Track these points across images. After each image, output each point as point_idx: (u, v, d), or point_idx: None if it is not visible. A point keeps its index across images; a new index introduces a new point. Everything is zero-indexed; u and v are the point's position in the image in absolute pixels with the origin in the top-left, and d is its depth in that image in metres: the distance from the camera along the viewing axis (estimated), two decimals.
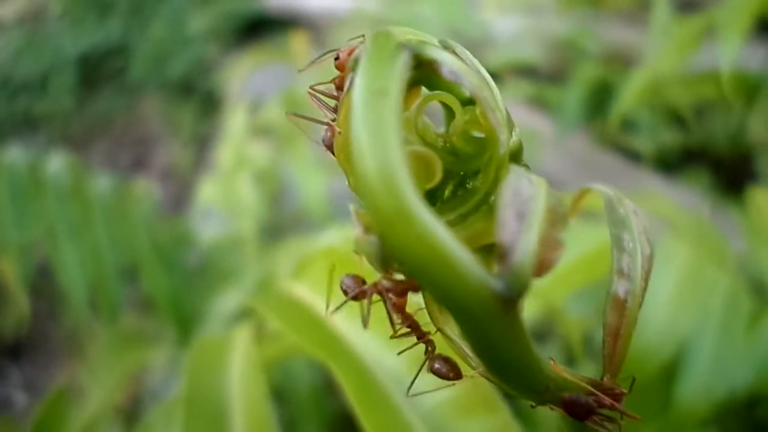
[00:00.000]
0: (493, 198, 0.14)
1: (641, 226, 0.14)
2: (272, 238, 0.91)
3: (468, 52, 0.14)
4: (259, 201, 0.85)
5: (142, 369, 0.61)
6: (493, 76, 0.15)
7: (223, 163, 0.91)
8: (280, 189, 0.94)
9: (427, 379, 0.15)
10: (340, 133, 0.14)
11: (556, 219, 0.12)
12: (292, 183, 0.90)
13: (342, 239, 0.32)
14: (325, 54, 0.15)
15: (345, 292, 0.14)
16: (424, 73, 0.13)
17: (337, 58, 0.14)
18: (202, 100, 2.10)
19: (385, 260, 0.12)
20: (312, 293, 0.23)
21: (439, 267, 0.11)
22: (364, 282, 0.14)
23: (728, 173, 0.97)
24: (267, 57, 1.42)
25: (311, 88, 0.15)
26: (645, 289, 0.13)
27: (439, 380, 0.14)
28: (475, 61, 0.14)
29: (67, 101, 2.10)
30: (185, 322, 0.61)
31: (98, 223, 0.59)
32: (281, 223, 0.98)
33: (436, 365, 0.14)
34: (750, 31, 0.51)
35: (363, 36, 0.14)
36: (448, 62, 0.13)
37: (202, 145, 1.93)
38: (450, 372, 0.14)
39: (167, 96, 2.18)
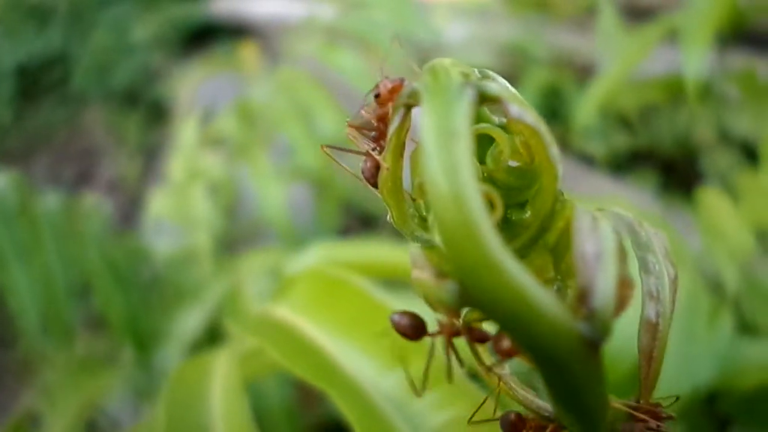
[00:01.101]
0: (544, 233, 0.14)
1: (664, 248, 0.14)
2: (229, 250, 0.89)
3: (508, 83, 0.14)
4: (214, 213, 0.83)
5: (101, 394, 0.58)
6: None
7: (175, 175, 0.89)
8: (235, 200, 0.92)
9: (426, 402, 0.15)
10: (387, 169, 0.13)
11: (624, 256, 0.12)
12: (247, 194, 0.89)
13: (323, 259, 0.31)
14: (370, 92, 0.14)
15: (405, 334, 0.14)
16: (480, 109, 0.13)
17: (377, 95, 0.14)
18: (148, 109, 2.04)
19: (461, 306, 0.12)
20: (298, 317, 0.22)
21: (526, 313, 0.11)
22: (423, 324, 0.13)
23: (675, 174, 1.01)
24: (216, 66, 1.39)
25: (350, 123, 0.14)
26: (673, 310, 0.13)
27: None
28: (518, 93, 0.14)
29: (5, 114, 2.02)
30: (142, 342, 0.59)
31: (47, 242, 0.56)
32: (238, 235, 0.96)
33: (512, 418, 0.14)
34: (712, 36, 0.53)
35: (404, 75, 0.14)
36: (512, 99, 0.13)
37: (150, 156, 1.88)
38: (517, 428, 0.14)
39: (111, 106, 2.12)
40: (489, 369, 0.13)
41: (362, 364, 0.19)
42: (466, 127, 0.12)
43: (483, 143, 0.14)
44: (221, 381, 0.22)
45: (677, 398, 0.14)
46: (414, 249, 0.12)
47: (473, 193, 0.11)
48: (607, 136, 0.97)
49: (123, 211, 1.65)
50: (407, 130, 0.13)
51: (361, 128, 0.14)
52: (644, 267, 0.14)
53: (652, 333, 0.13)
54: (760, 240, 0.58)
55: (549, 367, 0.12)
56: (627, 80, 0.76)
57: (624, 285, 0.12)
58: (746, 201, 0.61)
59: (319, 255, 0.32)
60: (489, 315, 0.11)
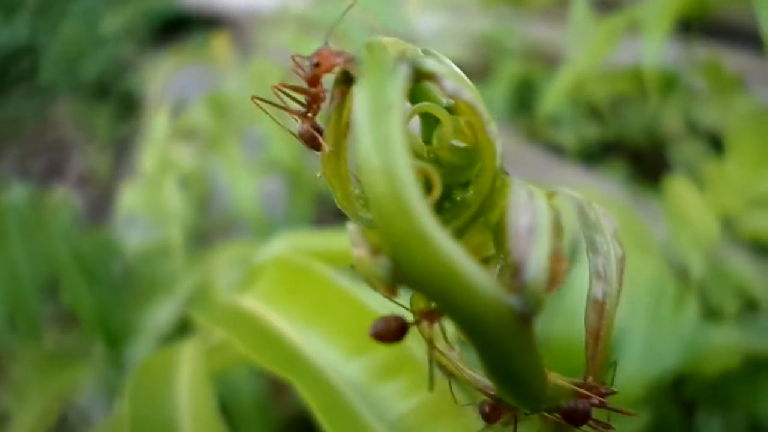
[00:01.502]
0: (486, 209, 0.14)
1: (612, 228, 0.14)
2: (201, 244, 0.88)
3: (451, 62, 0.14)
4: (186, 206, 0.82)
5: (70, 389, 0.57)
6: None
7: (146, 168, 0.88)
8: (207, 193, 0.91)
9: (390, 389, 0.15)
10: (330, 150, 0.13)
11: (559, 231, 0.12)
12: (220, 186, 0.88)
13: (290, 248, 0.31)
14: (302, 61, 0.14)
15: (380, 336, 0.13)
16: (412, 88, 0.13)
17: (317, 64, 0.14)
18: (119, 102, 2.01)
19: (396, 282, 0.12)
20: (263, 306, 0.22)
21: (458, 287, 0.11)
22: (403, 321, 0.13)
23: (644, 163, 1.02)
24: (188, 58, 1.38)
25: (277, 86, 0.14)
26: (620, 290, 0.13)
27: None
28: (458, 69, 0.14)
29: None
30: (113, 337, 0.58)
31: (14, 236, 0.55)
32: (210, 228, 0.95)
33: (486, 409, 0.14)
34: (671, 26, 0.53)
35: (328, 43, 0.14)
36: (448, 75, 0.13)
37: (121, 149, 1.85)
38: (493, 416, 0.14)
39: (81, 98, 2.08)
40: (436, 349, 0.14)
41: (326, 351, 0.19)
42: (398, 101, 0.12)
43: (431, 123, 0.14)
44: (187, 373, 0.22)
45: (614, 364, 0.15)
46: (352, 227, 0.12)
47: (404, 166, 0.11)
48: (577, 126, 0.99)
49: (94, 205, 1.62)
50: (349, 109, 0.13)
51: (295, 89, 0.14)
52: (592, 247, 0.14)
53: (598, 312, 0.13)
54: (726, 228, 0.59)
55: (482, 340, 0.12)
56: (597, 71, 0.77)
57: (557, 259, 0.12)
58: (712, 190, 0.63)
59: (286, 244, 0.32)
60: (421, 290, 0.11)
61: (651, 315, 0.44)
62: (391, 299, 0.12)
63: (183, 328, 0.55)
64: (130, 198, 0.86)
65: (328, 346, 0.19)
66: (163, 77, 1.30)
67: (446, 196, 0.14)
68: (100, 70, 2.09)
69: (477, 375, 0.14)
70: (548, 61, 1.06)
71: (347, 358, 0.19)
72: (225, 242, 0.80)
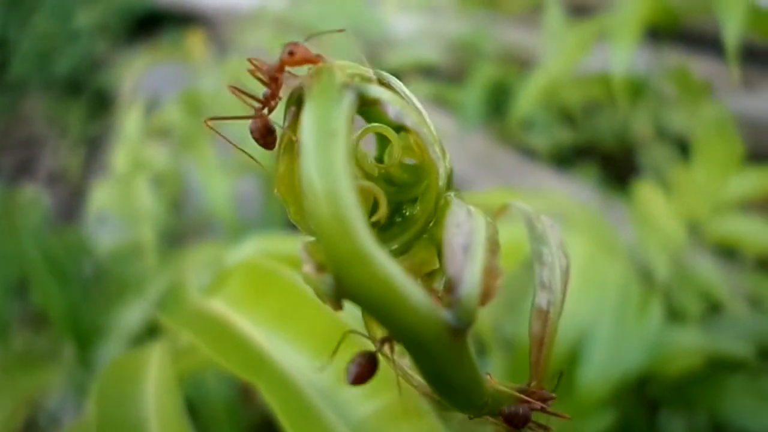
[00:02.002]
0: (432, 226, 0.14)
1: (558, 240, 0.15)
2: (174, 243, 0.87)
3: (402, 85, 0.14)
4: (159, 206, 0.82)
5: (39, 391, 0.57)
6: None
7: (119, 167, 0.87)
8: (181, 193, 0.91)
9: (354, 392, 0.15)
10: (282, 174, 0.14)
11: (495, 248, 0.13)
12: (194, 186, 0.87)
13: (260, 251, 0.31)
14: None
15: (360, 379, 0.14)
16: (364, 109, 0.14)
17: (290, 53, 0.14)
18: (92, 99, 1.98)
19: (339, 298, 0.12)
20: (231, 309, 0.22)
21: (394, 303, 0.11)
22: (375, 360, 0.14)
23: (615, 167, 1.04)
24: (162, 55, 1.36)
25: (232, 87, 0.14)
26: (563, 299, 0.14)
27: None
28: (409, 93, 0.14)
29: None
30: (84, 338, 0.57)
31: None
32: (183, 228, 0.95)
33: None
34: (639, 35, 0.55)
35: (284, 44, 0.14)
36: (391, 101, 0.13)
37: (93, 147, 1.83)
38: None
39: (53, 95, 2.05)
40: (389, 358, 0.14)
41: (291, 355, 0.20)
42: (343, 127, 0.12)
43: (384, 141, 0.15)
44: (154, 376, 0.22)
45: (559, 379, 0.15)
46: (301, 244, 0.13)
47: (346, 190, 0.11)
48: (550, 130, 1.00)
49: (64, 204, 1.60)
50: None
51: (260, 80, 0.15)
52: (538, 258, 0.15)
53: (542, 320, 0.14)
54: (692, 232, 0.61)
55: (418, 352, 0.12)
56: (570, 76, 0.78)
57: (491, 275, 0.12)
58: (679, 195, 0.64)
59: (256, 247, 0.32)
60: (362, 305, 0.12)
61: (616, 317, 0.45)
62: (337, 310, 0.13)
63: (154, 329, 0.55)
64: (101, 197, 0.85)
65: (293, 350, 0.20)
66: (137, 74, 1.29)
67: (397, 210, 0.15)
68: (73, 66, 2.06)
69: (423, 382, 0.14)
70: (523, 64, 1.07)
71: (312, 362, 0.19)
72: (198, 243, 0.79)
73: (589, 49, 0.66)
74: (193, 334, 0.22)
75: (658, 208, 0.59)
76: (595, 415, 0.44)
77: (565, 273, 0.14)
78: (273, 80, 0.14)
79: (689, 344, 0.50)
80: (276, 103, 0.14)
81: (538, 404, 0.14)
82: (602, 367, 0.43)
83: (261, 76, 0.14)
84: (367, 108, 0.14)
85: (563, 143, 1.03)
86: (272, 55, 0.16)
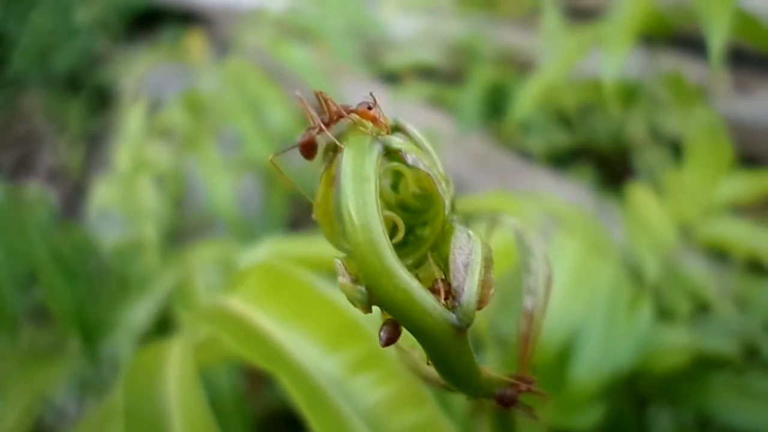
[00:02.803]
0: (439, 245, 0.18)
1: (543, 251, 0.17)
2: (177, 242, 0.89)
3: (414, 129, 0.17)
4: (162, 204, 0.83)
5: (48, 387, 0.58)
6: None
7: (121, 165, 0.88)
8: (183, 192, 0.92)
9: (362, 382, 0.18)
10: (321, 197, 0.17)
11: (489, 264, 0.16)
12: (196, 185, 0.89)
13: (274, 253, 0.33)
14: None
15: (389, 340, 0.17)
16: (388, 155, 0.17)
17: (369, 107, 0.17)
18: (91, 95, 1.99)
19: (370, 305, 0.16)
20: (249, 306, 0.24)
21: (413, 308, 0.15)
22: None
23: (610, 169, 1.06)
24: (163, 55, 1.37)
25: (319, 93, 0.17)
26: (546, 303, 0.17)
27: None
28: (419, 135, 0.18)
29: None
30: (89, 333, 0.59)
31: None
32: (186, 226, 0.96)
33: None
34: (631, 43, 0.56)
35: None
36: (409, 151, 0.17)
37: (92, 143, 1.83)
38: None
39: (52, 91, 2.05)
40: (402, 350, 0.17)
41: (306, 348, 0.22)
42: (373, 173, 0.16)
43: (398, 174, 0.18)
44: (176, 369, 0.24)
45: (535, 369, 0.18)
46: (337, 260, 0.16)
47: (376, 223, 0.15)
48: (547, 132, 1.02)
49: (65, 200, 1.61)
50: (335, 169, 0.17)
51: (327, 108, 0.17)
52: (526, 268, 0.17)
53: (528, 320, 0.17)
54: (683, 234, 0.63)
55: (430, 345, 0.16)
56: (567, 79, 0.79)
57: (486, 286, 0.16)
58: (670, 197, 0.66)
59: (270, 250, 0.34)
60: (387, 310, 0.16)
61: (607, 315, 0.46)
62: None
63: (161, 326, 0.57)
64: (103, 194, 0.86)
65: (308, 344, 0.22)
66: (138, 73, 1.30)
67: (410, 231, 0.18)
68: (72, 63, 2.06)
69: (429, 370, 0.17)
70: (521, 67, 1.09)
71: (325, 354, 0.22)
72: (200, 241, 0.81)
73: (586, 53, 0.68)
74: (216, 330, 0.23)
75: (649, 210, 0.61)
76: (586, 410, 0.45)
77: (549, 280, 0.17)
78: (338, 116, 0.17)
79: (677, 342, 0.51)
80: (322, 132, 0.17)
81: (524, 386, 0.16)
82: (593, 364, 0.45)
83: (329, 107, 0.17)
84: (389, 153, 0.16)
85: (559, 145, 1.05)
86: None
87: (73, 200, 1.57)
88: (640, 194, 0.63)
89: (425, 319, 0.15)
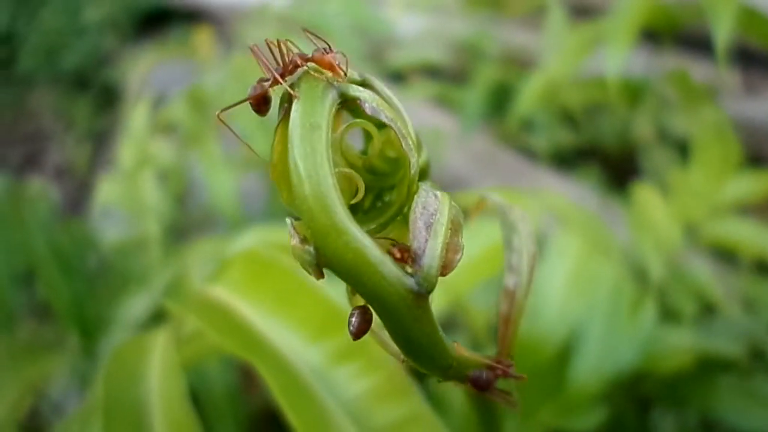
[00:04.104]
0: (406, 209, 0.16)
1: (527, 229, 0.16)
2: (178, 238, 0.89)
3: (383, 85, 0.16)
4: (164, 200, 0.83)
5: (43, 380, 0.58)
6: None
7: (125, 161, 0.88)
8: (186, 188, 0.92)
9: (345, 372, 0.16)
10: (275, 162, 0.15)
11: (457, 227, 0.15)
12: (198, 182, 0.89)
13: (260, 241, 0.32)
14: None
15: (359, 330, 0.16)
16: (347, 106, 0.16)
17: (325, 50, 0.16)
18: (99, 94, 2.00)
19: (320, 267, 0.14)
20: (232, 295, 0.23)
21: (365, 270, 0.14)
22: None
23: (615, 169, 1.05)
24: (169, 52, 1.38)
25: (254, 47, 0.16)
26: (530, 282, 0.15)
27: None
28: (389, 93, 0.16)
29: None
30: (88, 329, 0.59)
31: None
32: (188, 223, 0.96)
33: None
34: (633, 39, 0.55)
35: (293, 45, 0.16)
36: (368, 99, 0.15)
37: (99, 141, 1.84)
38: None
39: (60, 89, 2.06)
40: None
41: (288, 337, 0.21)
42: (326, 121, 0.14)
43: (370, 138, 0.17)
44: (159, 360, 0.23)
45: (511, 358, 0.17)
46: (288, 220, 0.15)
47: (325, 174, 0.14)
48: (551, 131, 1.01)
49: (71, 197, 1.61)
50: None
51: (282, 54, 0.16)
52: (508, 244, 0.16)
53: (509, 300, 0.16)
54: (689, 234, 0.62)
55: (386, 313, 0.15)
56: (571, 78, 0.79)
57: (452, 250, 0.15)
58: (676, 197, 0.65)
59: (256, 237, 0.33)
60: (338, 272, 0.14)
61: (609, 315, 0.46)
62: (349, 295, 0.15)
63: (158, 321, 0.56)
64: (107, 191, 0.86)
65: (290, 333, 0.21)
66: (144, 70, 1.30)
67: (378, 197, 0.17)
68: (80, 61, 2.07)
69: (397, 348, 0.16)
70: (525, 66, 1.08)
71: (307, 344, 0.21)
72: (202, 237, 0.80)
73: (590, 51, 0.67)
74: (196, 318, 0.23)
75: (655, 210, 0.60)
76: (587, 412, 0.44)
77: (532, 258, 0.16)
78: (294, 65, 0.16)
79: (682, 344, 0.51)
80: (278, 83, 0.15)
81: (501, 368, 0.15)
82: (594, 365, 0.44)
83: (282, 57, 0.16)
84: (352, 106, 0.15)
85: (564, 145, 1.04)
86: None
87: (80, 197, 1.57)
88: (645, 194, 0.63)
89: (379, 282, 0.14)
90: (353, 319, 0.16)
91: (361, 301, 0.15)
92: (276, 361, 0.20)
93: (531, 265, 0.16)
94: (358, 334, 0.15)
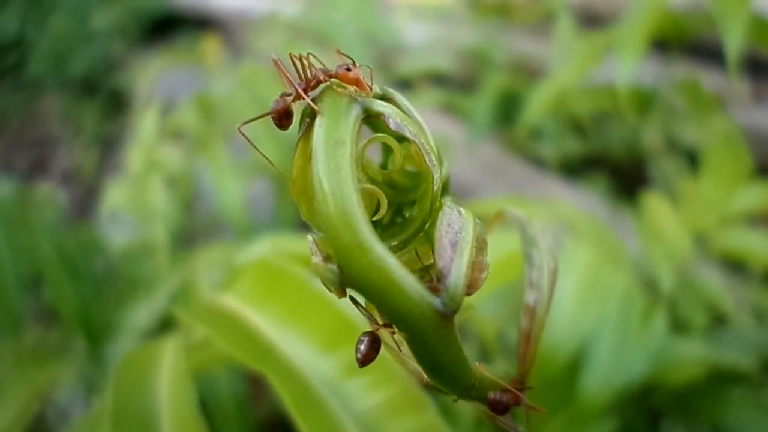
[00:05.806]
0: (428, 226, 0.16)
1: (547, 243, 0.16)
2: (186, 244, 0.89)
3: (404, 99, 0.16)
4: (172, 206, 0.83)
5: (50, 385, 0.58)
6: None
7: (133, 167, 0.88)
8: (193, 194, 0.92)
9: (358, 384, 0.16)
10: (296, 177, 0.15)
11: (482, 245, 0.14)
12: (206, 188, 0.89)
13: (271, 250, 0.32)
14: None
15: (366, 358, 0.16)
16: (369, 121, 0.15)
17: (348, 69, 0.15)
18: (107, 99, 2.00)
19: (343, 285, 0.14)
20: (243, 305, 0.23)
21: (390, 290, 0.13)
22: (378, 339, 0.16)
23: (624, 178, 1.04)
24: (178, 58, 1.38)
25: (276, 60, 0.16)
26: (551, 298, 0.15)
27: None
28: (410, 107, 0.16)
29: None
30: (95, 334, 0.58)
31: None
32: (195, 229, 0.96)
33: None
34: (644, 48, 0.55)
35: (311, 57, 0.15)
36: (392, 115, 0.15)
37: (107, 146, 1.85)
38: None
39: (68, 95, 2.07)
40: (389, 346, 0.15)
41: (300, 348, 0.21)
42: (349, 136, 0.14)
43: (390, 152, 0.16)
44: (168, 368, 0.23)
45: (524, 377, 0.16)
46: (310, 237, 0.14)
47: (349, 190, 0.13)
48: (560, 140, 1.00)
49: (78, 202, 1.62)
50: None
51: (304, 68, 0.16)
52: (528, 260, 0.16)
53: (530, 316, 0.15)
54: (698, 244, 0.61)
55: (410, 333, 0.14)
56: (579, 87, 0.79)
57: (478, 269, 0.14)
58: (686, 207, 0.64)
59: (267, 247, 0.33)
60: (362, 291, 0.14)
61: (619, 326, 0.45)
62: (358, 305, 0.14)
63: (165, 327, 0.56)
64: (115, 196, 0.86)
65: (302, 344, 0.21)
66: (152, 76, 1.31)
67: (398, 212, 0.17)
68: (89, 67, 2.08)
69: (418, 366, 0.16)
70: (533, 74, 1.08)
71: (319, 355, 0.20)
72: (209, 243, 0.80)
73: (599, 60, 0.67)
74: (207, 328, 0.23)
75: (664, 220, 0.60)
76: (597, 423, 0.44)
77: (553, 274, 0.16)
78: (316, 81, 0.16)
79: (693, 355, 0.50)
80: (301, 98, 0.15)
81: (524, 398, 0.15)
82: (604, 375, 0.43)
83: (305, 72, 0.16)
84: (373, 120, 0.15)
85: (573, 153, 1.03)
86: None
87: (87, 202, 1.58)
88: (655, 203, 0.62)
89: (404, 303, 0.13)
90: (361, 346, 0.15)
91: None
92: (288, 372, 0.20)
93: (552, 281, 0.15)
94: (365, 362, 0.15)
